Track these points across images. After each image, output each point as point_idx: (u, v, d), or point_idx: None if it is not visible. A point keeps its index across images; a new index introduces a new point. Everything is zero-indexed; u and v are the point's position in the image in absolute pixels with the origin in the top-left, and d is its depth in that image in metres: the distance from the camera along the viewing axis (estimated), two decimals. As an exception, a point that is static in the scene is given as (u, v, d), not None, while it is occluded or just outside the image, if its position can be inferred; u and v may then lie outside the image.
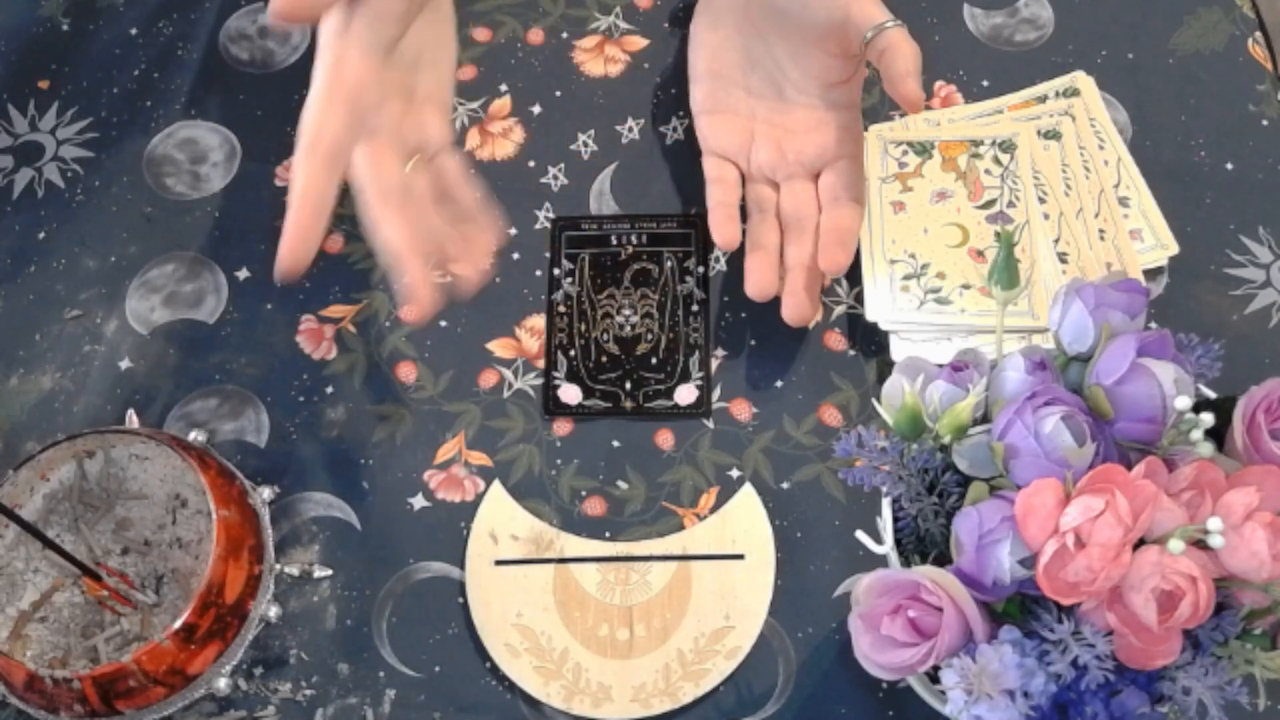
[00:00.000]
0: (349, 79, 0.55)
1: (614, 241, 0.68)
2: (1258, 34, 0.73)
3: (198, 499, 0.60)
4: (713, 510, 0.61)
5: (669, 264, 0.67)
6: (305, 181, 0.53)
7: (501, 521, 0.61)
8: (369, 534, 0.62)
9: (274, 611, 0.59)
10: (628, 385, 0.64)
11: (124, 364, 0.67)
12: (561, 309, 0.67)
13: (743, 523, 0.60)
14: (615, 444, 0.63)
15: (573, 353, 0.65)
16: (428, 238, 0.56)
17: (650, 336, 0.66)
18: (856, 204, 0.63)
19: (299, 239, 0.53)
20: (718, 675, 0.57)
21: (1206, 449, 0.42)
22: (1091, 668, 0.40)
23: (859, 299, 0.65)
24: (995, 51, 0.73)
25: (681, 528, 0.61)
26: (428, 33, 0.59)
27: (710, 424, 0.63)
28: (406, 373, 0.65)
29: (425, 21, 0.59)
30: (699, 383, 0.64)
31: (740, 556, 0.59)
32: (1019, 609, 0.44)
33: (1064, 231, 0.64)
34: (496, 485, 0.62)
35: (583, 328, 0.66)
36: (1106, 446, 0.44)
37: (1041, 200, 0.65)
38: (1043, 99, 0.69)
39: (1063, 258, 0.64)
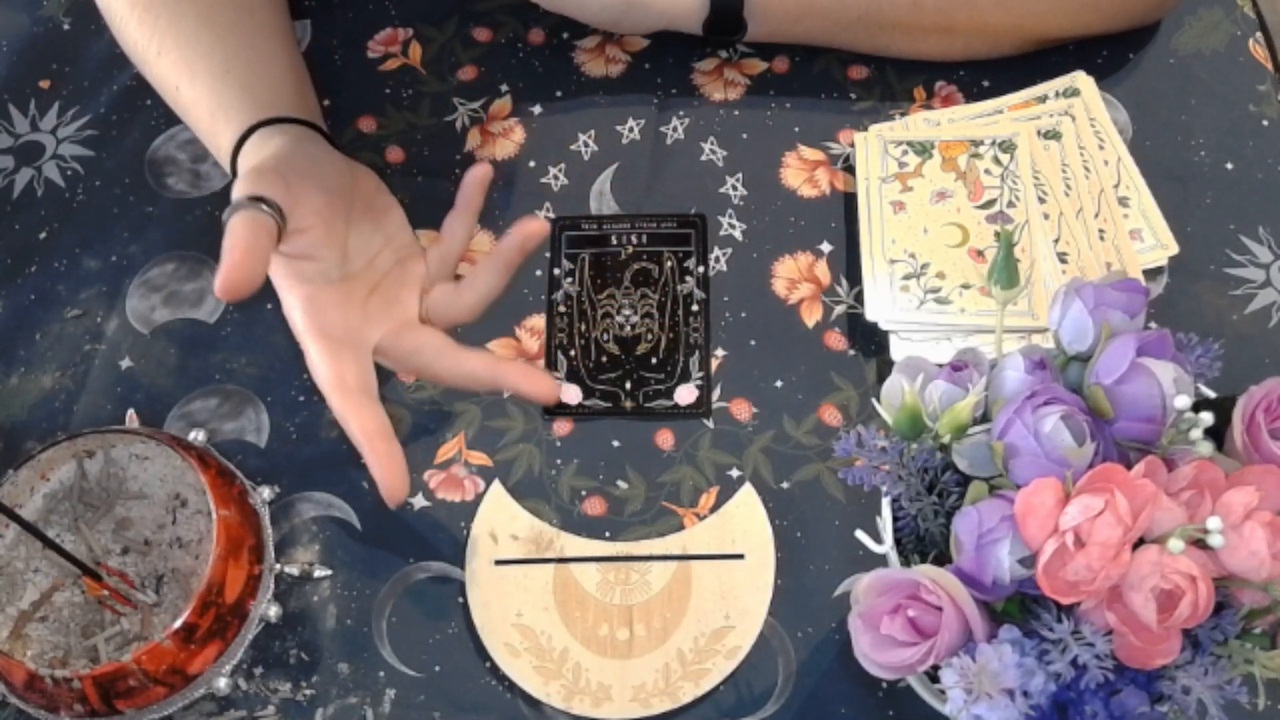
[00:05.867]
0: (327, 320, 0.58)
1: (614, 241, 0.68)
2: (1258, 34, 0.73)
3: (198, 499, 0.60)
4: (713, 510, 0.61)
5: (669, 264, 0.67)
6: (359, 422, 0.56)
7: (501, 521, 0.61)
8: (369, 534, 0.62)
9: (274, 611, 0.59)
10: (628, 385, 0.64)
11: (124, 363, 0.67)
12: (561, 309, 0.67)
13: (743, 522, 0.60)
14: (615, 444, 0.63)
15: (573, 353, 0.65)
16: (471, 378, 0.60)
17: (650, 336, 0.66)
18: None
19: (391, 471, 0.56)
20: (718, 675, 0.57)
21: (1206, 448, 0.42)
22: (1091, 667, 0.40)
23: (859, 299, 0.65)
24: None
25: (681, 527, 0.61)
26: (365, 224, 0.62)
27: (710, 424, 0.63)
28: (407, 372, 0.65)
29: (360, 219, 0.62)
30: (699, 383, 0.64)
31: (740, 556, 0.59)
32: (1018, 608, 0.44)
33: (1064, 231, 0.64)
34: (496, 485, 0.62)
35: (583, 328, 0.66)
36: (1106, 446, 0.44)
37: (1041, 200, 0.65)
38: (1043, 99, 0.69)
39: (1063, 258, 0.64)
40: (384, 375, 0.65)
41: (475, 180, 0.63)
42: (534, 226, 0.61)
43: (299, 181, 0.58)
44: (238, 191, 0.57)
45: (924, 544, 0.49)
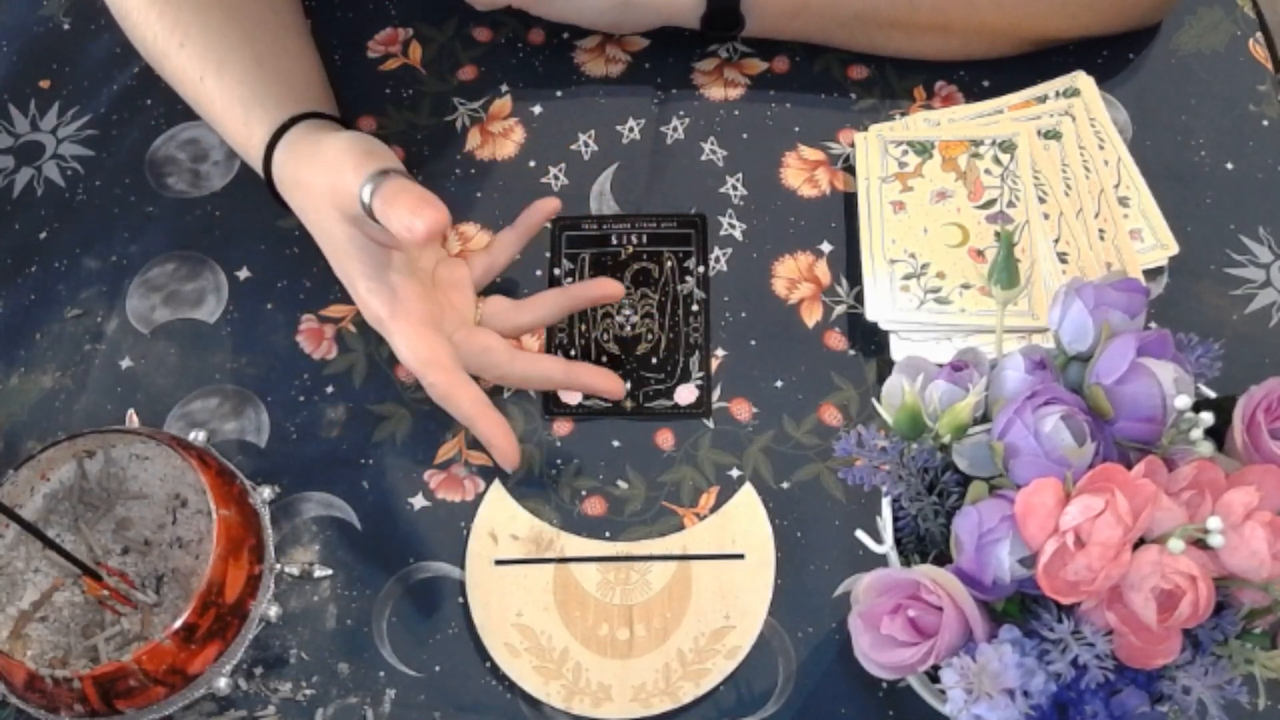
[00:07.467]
0: (414, 308, 0.60)
1: (614, 241, 0.68)
2: (1258, 34, 0.73)
3: (198, 498, 0.60)
4: (713, 510, 0.61)
5: (669, 264, 0.67)
6: (466, 393, 0.59)
7: (501, 521, 0.61)
8: (369, 534, 0.62)
9: (274, 611, 0.59)
10: (628, 385, 0.64)
11: (124, 363, 0.67)
12: (561, 309, 0.67)
13: (743, 522, 0.60)
14: (615, 444, 0.63)
15: (573, 353, 0.65)
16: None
17: (650, 336, 0.66)
18: None
19: (505, 437, 0.59)
20: (718, 675, 0.57)
21: (1206, 448, 0.42)
22: (1091, 667, 0.40)
23: (859, 299, 0.65)
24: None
25: (681, 527, 0.61)
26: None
27: (710, 424, 0.63)
28: (407, 373, 0.65)
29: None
30: (699, 382, 0.64)
31: (740, 556, 0.59)
32: (1019, 608, 0.44)
33: (1064, 231, 0.64)
34: (496, 485, 0.62)
35: (583, 328, 0.66)
36: (1106, 446, 0.44)
37: (1041, 200, 0.65)
38: (1043, 99, 0.69)
39: (1063, 258, 0.64)
40: (383, 376, 0.65)
41: (542, 211, 0.66)
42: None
43: None
44: (362, 168, 0.56)
45: (924, 544, 0.49)
